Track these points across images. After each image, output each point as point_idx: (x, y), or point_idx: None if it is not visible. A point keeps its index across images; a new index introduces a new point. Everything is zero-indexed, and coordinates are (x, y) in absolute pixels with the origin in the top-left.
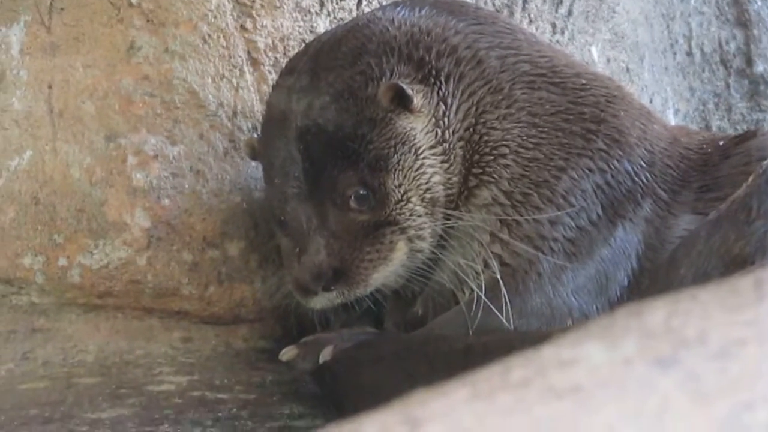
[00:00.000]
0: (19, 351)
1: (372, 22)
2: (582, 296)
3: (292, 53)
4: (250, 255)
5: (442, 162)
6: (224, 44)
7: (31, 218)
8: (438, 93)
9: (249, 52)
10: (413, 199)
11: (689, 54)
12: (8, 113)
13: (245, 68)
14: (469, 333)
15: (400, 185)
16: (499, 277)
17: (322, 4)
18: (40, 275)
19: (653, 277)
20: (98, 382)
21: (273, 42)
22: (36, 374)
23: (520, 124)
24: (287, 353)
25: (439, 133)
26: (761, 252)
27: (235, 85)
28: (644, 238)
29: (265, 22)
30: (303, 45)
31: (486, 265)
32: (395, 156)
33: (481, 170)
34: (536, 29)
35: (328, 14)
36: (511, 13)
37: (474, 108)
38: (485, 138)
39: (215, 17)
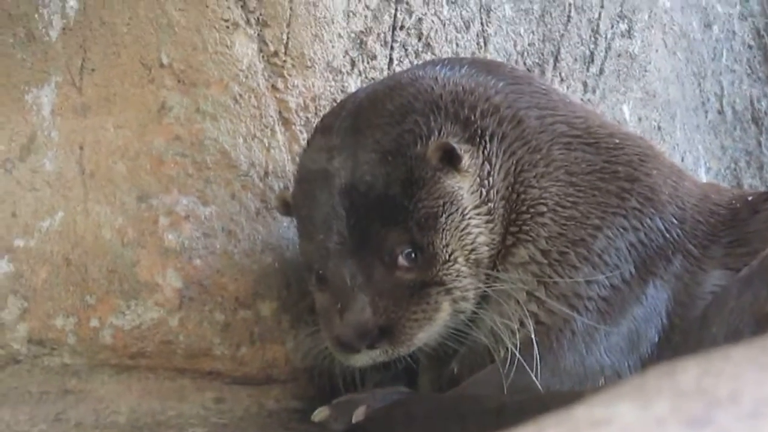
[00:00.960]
0: (51, 412)
1: (416, 80)
2: (614, 354)
3: (323, 113)
4: (282, 315)
5: (487, 222)
6: (255, 104)
7: (63, 279)
8: (483, 152)
9: (280, 112)
10: (459, 260)
11: (720, 112)
12: (40, 174)
13: (277, 128)
14: (503, 392)
15: (447, 245)
16: (533, 336)
17: (353, 64)
18: (72, 336)
19: (685, 336)
20: None
21: (304, 102)
22: None
23: (558, 183)
24: (320, 414)
25: (484, 193)
26: None
27: (266, 145)
28: (674, 294)
29: (296, 82)
30: (334, 104)
31: (522, 323)
32: (443, 216)
33: (518, 229)
34: (567, 88)
35: (360, 74)
36: (543, 72)
37: (514, 167)
38: (523, 197)
39: (246, 77)
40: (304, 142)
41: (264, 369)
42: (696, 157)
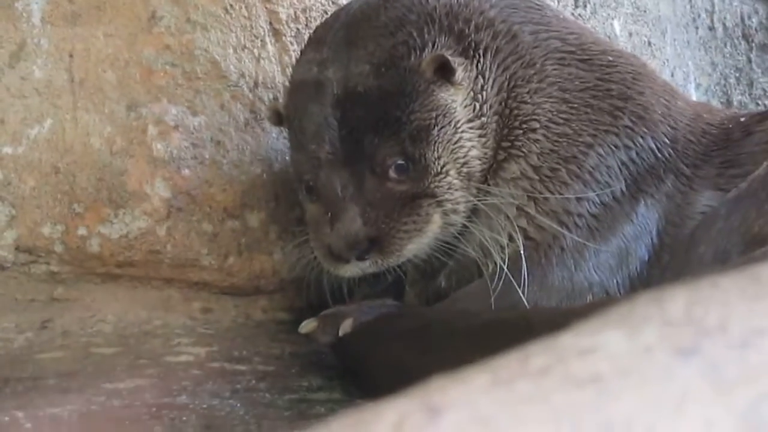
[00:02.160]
0: (37, 320)
1: None
2: (603, 271)
3: (314, 25)
4: (270, 226)
5: (480, 136)
6: (246, 15)
7: (51, 187)
8: (477, 66)
9: (271, 23)
10: (451, 173)
11: (711, 28)
12: (28, 82)
13: (267, 39)
14: (490, 307)
15: (439, 157)
16: (522, 250)
17: None
18: (59, 244)
19: (673, 255)
20: (116, 352)
21: (295, 13)
22: (54, 344)
23: (551, 99)
24: (307, 326)
25: (477, 107)
26: None
27: (256, 55)
28: (665, 214)
29: None
30: (326, 16)
31: (511, 238)
32: (436, 128)
33: (510, 144)
34: (558, 2)
35: None
36: None
37: (507, 82)
38: (516, 112)
39: None
40: (294, 54)
41: (251, 280)
42: (686, 73)
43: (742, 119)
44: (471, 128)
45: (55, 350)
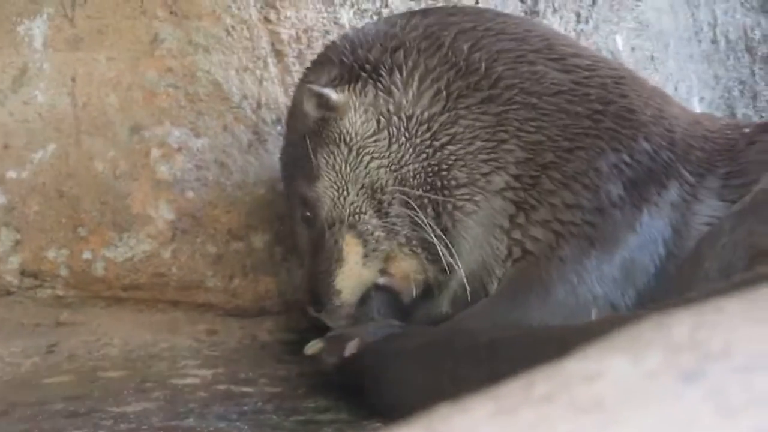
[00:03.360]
0: (43, 344)
1: (337, 38)
2: (607, 284)
3: (316, 45)
4: (274, 247)
5: (389, 146)
6: (248, 36)
7: (56, 211)
8: (377, 85)
9: (273, 44)
10: (350, 191)
11: (714, 42)
12: (31, 106)
13: (269, 60)
14: (494, 326)
15: (333, 183)
16: (522, 265)
17: None
18: (64, 268)
19: (678, 269)
20: (123, 375)
21: (297, 33)
22: (61, 368)
23: (514, 107)
24: (313, 347)
25: (383, 120)
26: None
27: (259, 77)
28: (671, 223)
29: (288, 14)
30: (326, 36)
31: (510, 252)
32: (324, 158)
33: (487, 156)
34: (560, 18)
35: (352, 5)
36: (535, 2)
37: (444, 93)
38: (476, 123)
39: (239, 9)
40: (296, 74)
41: (257, 301)
42: (689, 87)
43: (746, 129)
44: (374, 141)
45: (61, 374)
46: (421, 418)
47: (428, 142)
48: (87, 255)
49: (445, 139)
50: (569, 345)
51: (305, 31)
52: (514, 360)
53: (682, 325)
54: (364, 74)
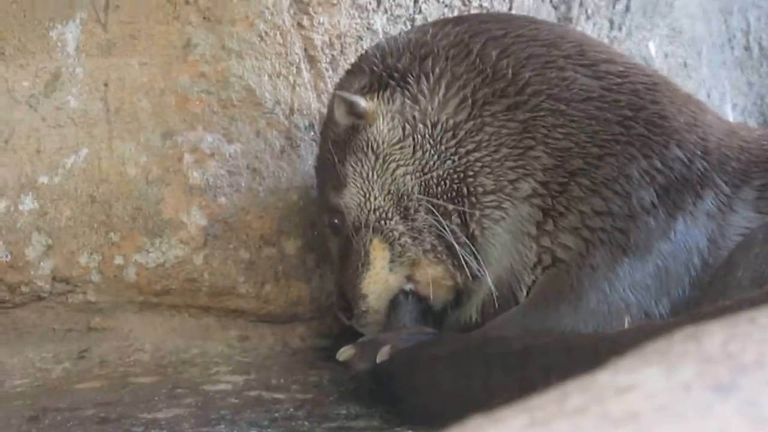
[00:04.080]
0: (75, 350)
1: (370, 47)
2: (640, 292)
3: (349, 51)
4: (306, 253)
5: (414, 153)
6: (281, 42)
7: (88, 216)
8: (405, 92)
9: (306, 50)
10: (376, 197)
11: (747, 48)
12: (64, 111)
13: (302, 66)
14: (527, 333)
15: (360, 190)
16: (552, 272)
17: (378, 2)
18: (96, 274)
19: (712, 279)
20: (154, 381)
21: (330, 39)
22: (92, 373)
23: (541, 113)
24: (344, 353)
25: (408, 128)
26: None
27: (291, 82)
28: (707, 233)
29: (322, 20)
30: (359, 42)
31: (539, 260)
32: (351, 166)
33: (514, 163)
34: (593, 25)
35: (385, 11)
36: (569, 9)
37: (470, 100)
38: (502, 130)
39: (272, 14)
40: (330, 80)
41: (289, 307)
42: (722, 94)
43: None
44: (401, 149)
45: (92, 380)
46: (455, 429)
47: (453, 149)
48: (119, 260)
49: (470, 146)
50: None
51: (338, 36)
52: (547, 368)
53: (714, 337)
54: (392, 82)
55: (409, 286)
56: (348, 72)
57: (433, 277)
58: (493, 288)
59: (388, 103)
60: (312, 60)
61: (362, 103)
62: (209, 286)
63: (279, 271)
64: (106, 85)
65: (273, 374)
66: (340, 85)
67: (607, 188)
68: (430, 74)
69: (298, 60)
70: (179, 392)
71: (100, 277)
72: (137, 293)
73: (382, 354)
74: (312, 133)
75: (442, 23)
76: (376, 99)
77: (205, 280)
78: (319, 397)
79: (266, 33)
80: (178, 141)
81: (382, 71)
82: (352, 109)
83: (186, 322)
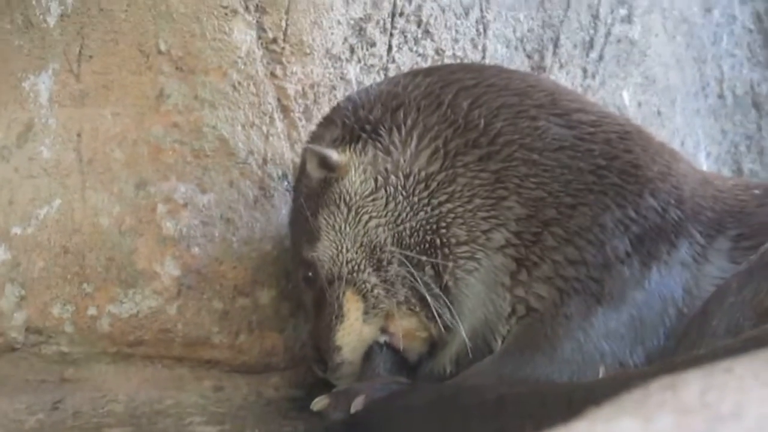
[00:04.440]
0: (48, 401)
1: (340, 101)
2: (615, 341)
3: (322, 100)
4: (280, 303)
5: (387, 204)
6: (254, 91)
7: (61, 267)
8: (376, 145)
9: (279, 99)
10: (349, 249)
11: (721, 96)
12: (37, 162)
13: (275, 115)
14: (501, 383)
15: (332, 243)
16: (527, 322)
17: (352, 51)
18: (69, 324)
19: (686, 328)
20: None
21: (303, 89)
22: (66, 424)
23: (514, 163)
24: (319, 403)
25: (380, 180)
26: None
27: (265, 132)
28: (682, 283)
29: (295, 69)
30: (333, 92)
31: (513, 310)
32: (324, 219)
33: (487, 213)
34: (567, 74)
35: (359, 61)
36: (542, 58)
37: (442, 151)
38: (475, 181)
39: (245, 64)
40: (303, 130)
41: (263, 357)
42: (696, 142)
43: (756, 190)
44: (372, 201)
45: (66, 431)
46: None
47: (426, 200)
48: (92, 311)
49: (443, 198)
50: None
51: (311, 86)
52: (523, 416)
53: (691, 387)
54: (364, 135)
55: (383, 338)
56: (320, 124)
57: (407, 328)
58: (467, 339)
59: (360, 155)
60: (285, 110)
61: (334, 156)
62: (183, 336)
63: (253, 321)
64: (79, 135)
65: (247, 424)
66: (312, 138)
67: (580, 238)
68: (402, 126)
69: (271, 110)
70: None
71: (74, 328)
72: (111, 344)
73: (357, 404)
74: (285, 183)
75: (413, 74)
76: (348, 151)
77: (178, 331)
78: None
79: (239, 83)
80: (152, 191)
81: (353, 123)
82: (324, 162)
83: (160, 372)
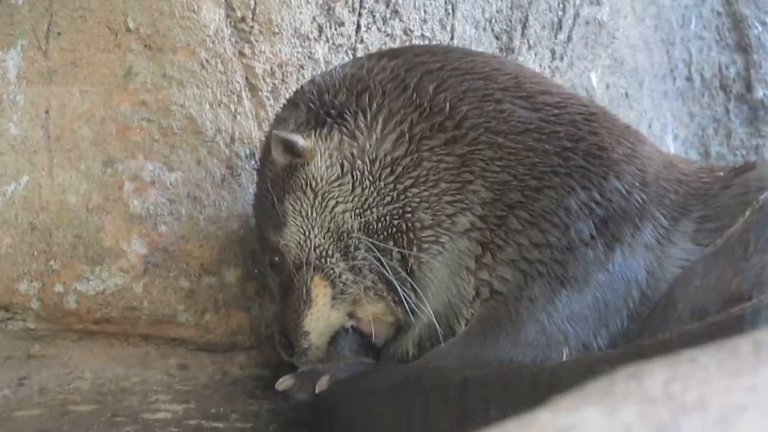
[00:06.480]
0: (14, 377)
1: (303, 84)
2: (578, 323)
3: (290, 80)
4: (247, 282)
5: (353, 190)
6: (222, 70)
7: (28, 244)
8: (342, 130)
9: (247, 78)
10: (316, 235)
11: (689, 79)
12: (4, 138)
13: (243, 94)
14: (465, 365)
15: (299, 228)
16: (490, 305)
17: (320, 30)
18: (35, 301)
19: (651, 312)
20: (94, 409)
21: (271, 68)
22: (31, 401)
23: (479, 147)
24: (283, 383)
25: (347, 165)
26: (758, 288)
27: (233, 111)
28: (645, 265)
29: (263, 48)
30: (300, 71)
31: (477, 293)
32: (290, 204)
33: (453, 197)
34: (535, 55)
35: (327, 40)
36: (511, 39)
37: (407, 135)
38: (440, 165)
39: (213, 43)
40: (270, 109)
41: (228, 336)
42: (664, 125)
43: (720, 173)
44: (339, 186)
45: (32, 408)
46: None
47: (392, 185)
48: (59, 288)
49: (408, 182)
50: (541, 385)
51: (280, 65)
52: (486, 399)
53: (656, 377)
54: (329, 119)
55: (350, 323)
56: (284, 108)
57: (374, 313)
58: (435, 321)
59: (326, 140)
60: (253, 89)
61: (300, 141)
62: (149, 314)
63: (219, 300)
64: (47, 112)
65: (212, 403)
66: (276, 122)
67: (545, 221)
68: (368, 110)
69: (239, 88)
70: (118, 420)
71: (40, 305)
72: (77, 321)
73: (321, 384)
74: (253, 162)
75: (378, 56)
76: (313, 136)
77: (144, 309)
78: (258, 427)
79: (207, 61)
80: (119, 169)
81: (319, 108)
82: (289, 147)
83: (125, 350)
